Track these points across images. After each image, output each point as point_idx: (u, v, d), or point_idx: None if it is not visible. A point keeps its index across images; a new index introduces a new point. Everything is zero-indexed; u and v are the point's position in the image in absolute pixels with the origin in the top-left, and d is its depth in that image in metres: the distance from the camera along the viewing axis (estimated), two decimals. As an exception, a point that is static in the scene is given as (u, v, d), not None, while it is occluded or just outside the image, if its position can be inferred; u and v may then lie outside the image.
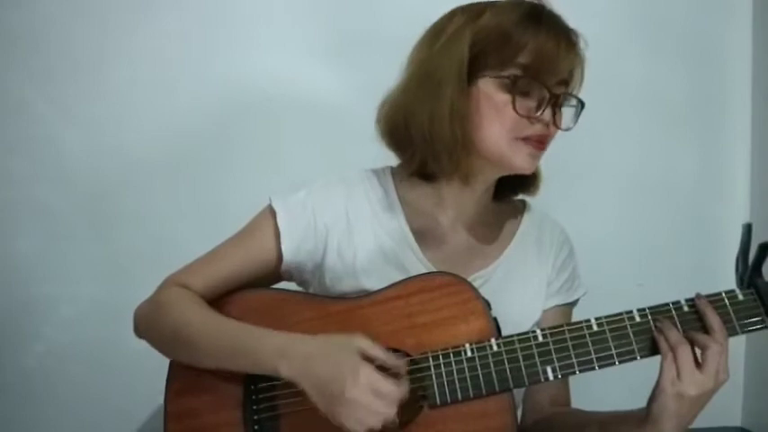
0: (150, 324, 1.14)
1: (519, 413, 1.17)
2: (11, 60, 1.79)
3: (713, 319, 0.98)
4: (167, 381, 1.12)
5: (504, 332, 1.06)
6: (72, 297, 1.80)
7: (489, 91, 1.06)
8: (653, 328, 1.00)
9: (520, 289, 1.18)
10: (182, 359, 1.10)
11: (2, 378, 1.81)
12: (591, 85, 1.87)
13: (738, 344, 1.82)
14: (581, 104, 1.13)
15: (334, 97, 1.81)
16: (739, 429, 1.95)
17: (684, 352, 0.95)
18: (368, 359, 0.96)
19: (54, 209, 1.81)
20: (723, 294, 1.00)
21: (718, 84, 1.95)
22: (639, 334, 0.99)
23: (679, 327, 0.99)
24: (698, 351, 0.97)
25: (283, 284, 1.22)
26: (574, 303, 1.25)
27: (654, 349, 0.99)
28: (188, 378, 1.09)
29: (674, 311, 1.00)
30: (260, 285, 1.16)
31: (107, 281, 1.80)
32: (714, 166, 1.97)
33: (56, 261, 1.81)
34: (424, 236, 1.16)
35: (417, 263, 1.14)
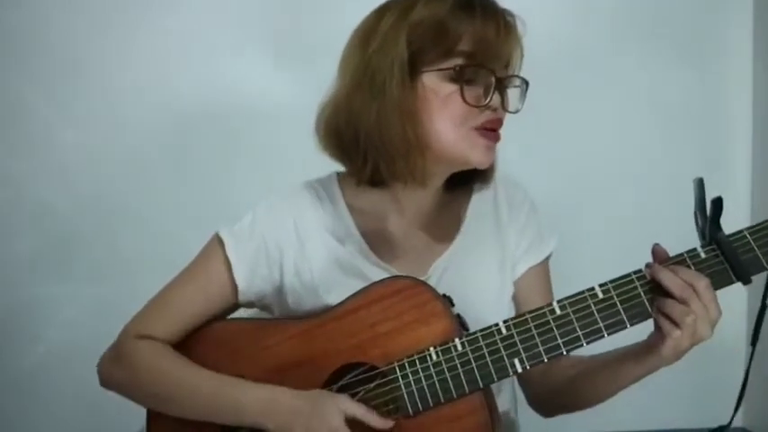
0: (121, 384, 1.12)
1: (503, 398, 1.15)
2: (11, 60, 1.79)
3: (672, 283, 0.93)
4: (147, 421, 1.12)
5: (479, 313, 1.04)
6: (72, 297, 1.80)
7: (434, 85, 1.03)
8: (646, 304, 0.96)
9: (483, 266, 1.16)
10: (160, 411, 1.09)
11: (3, 377, 1.81)
12: (591, 84, 1.88)
13: (739, 344, 1.82)
14: (525, 84, 1.10)
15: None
16: (740, 429, 1.95)
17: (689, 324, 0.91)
18: (352, 419, 0.97)
19: (54, 209, 1.81)
20: (685, 255, 0.97)
21: (719, 82, 1.95)
22: (604, 310, 0.96)
23: (643, 295, 0.96)
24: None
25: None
26: (547, 260, 1.22)
27: (620, 325, 0.96)
28: (168, 421, 1.09)
29: (636, 281, 0.97)
30: (224, 315, 1.15)
31: (108, 281, 1.80)
32: (715, 165, 1.97)
33: (56, 261, 1.81)
34: (377, 239, 1.13)
35: (375, 267, 1.11)
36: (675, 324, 0.92)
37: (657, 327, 0.95)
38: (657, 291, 0.96)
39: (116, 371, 1.13)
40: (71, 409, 1.79)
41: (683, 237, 1.90)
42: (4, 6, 1.78)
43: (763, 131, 1.93)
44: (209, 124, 1.83)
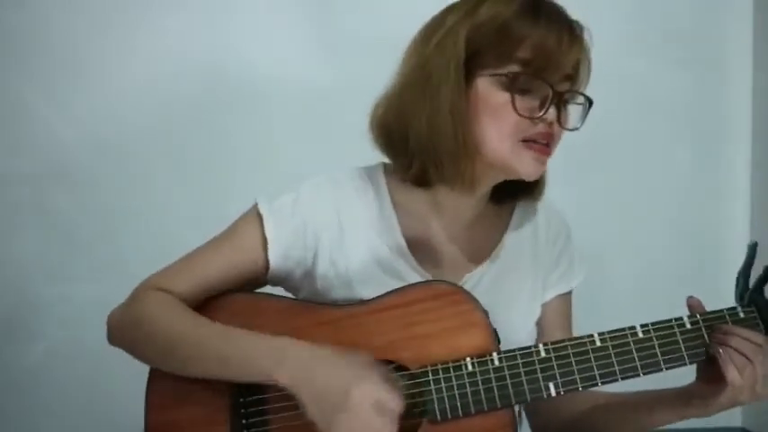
0: (130, 332, 1.08)
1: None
2: (11, 60, 1.79)
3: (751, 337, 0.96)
4: (147, 390, 1.06)
5: (505, 333, 1.03)
6: (73, 297, 1.80)
7: (487, 91, 1.00)
8: (683, 351, 0.98)
9: (516, 286, 1.14)
10: (165, 368, 1.04)
11: (4, 377, 1.81)
12: (590, 84, 1.88)
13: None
14: (589, 102, 1.06)
15: (332, 93, 1.81)
16: (740, 429, 1.95)
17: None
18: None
19: (54, 209, 1.81)
20: (725, 312, 1.00)
21: (719, 83, 1.95)
22: (642, 351, 0.98)
23: (681, 342, 0.98)
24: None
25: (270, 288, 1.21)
26: (571, 290, 1.21)
27: (655, 367, 0.98)
28: (170, 389, 1.04)
29: (676, 328, 0.99)
30: (245, 290, 1.11)
31: (108, 281, 1.80)
32: (714, 165, 1.97)
33: (56, 261, 1.81)
34: (416, 242, 1.11)
35: (412, 270, 1.10)
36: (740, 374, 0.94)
37: (712, 376, 0.96)
38: (696, 340, 0.98)
39: (125, 317, 1.09)
40: (72, 409, 1.79)
41: (681, 236, 1.91)
42: (4, 6, 1.78)
43: (762, 131, 1.94)
44: (209, 124, 1.83)
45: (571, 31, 1.01)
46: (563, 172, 1.86)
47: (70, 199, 1.81)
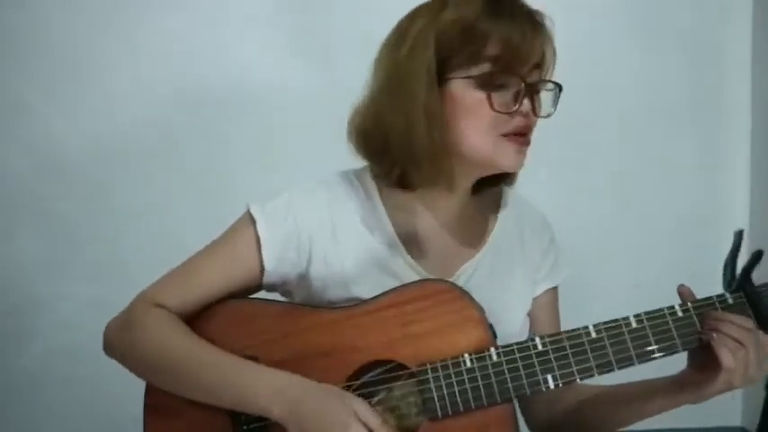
0: (127, 349, 1.09)
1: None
2: (11, 60, 1.80)
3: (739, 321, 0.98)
4: (145, 395, 1.07)
5: (502, 322, 1.05)
6: (72, 297, 1.81)
7: (462, 92, 1.03)
8: (676, 339, 1.00)
9: (508, 277, 1.16)
10: (161, 387, 1.06)
11: (3, 377, 1.81)
12: (591, 83, 1.89)
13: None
14: (558, 88, 1.08)
15: (331, 94, 1.80)
16: (739, 429, 1.95)
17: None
18: (362, 424, 0.94)
19: (54, 208, 1.81)
20: (714, 299, 1.01)
21: (718, 81, 1.95)
22: (636, 340, 1.00)
23: (674, 331, 1.00)
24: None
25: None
26: (558, 285, 1.23)
27: (649, 355, 0.99)
28: (169, 395, 1.05)
29: (668, 317, 1.00)
30: (243, 295, 1.11)
31: (108, 281, 1.81)
32: (714, 164, 1.97)
33: (56, 261, 1.81)
34: (409, 239, 1.13)
35: (406, 266, 1.11)
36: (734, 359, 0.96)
37: (705, 363, 0.98)
38: (687, 327, 0.99)
39: (123, 335, 1.09)
40: (72, 409, 1.80)
41: (679, 235, 1.91)
42: (4, 6, 1.79)
43: (762, 131, 1.94)
44: (210, 125, 1.83)
45: (533, 22, 1.04)
46: (564, 169, 1.88)
47: (70, 199, 1.81)
